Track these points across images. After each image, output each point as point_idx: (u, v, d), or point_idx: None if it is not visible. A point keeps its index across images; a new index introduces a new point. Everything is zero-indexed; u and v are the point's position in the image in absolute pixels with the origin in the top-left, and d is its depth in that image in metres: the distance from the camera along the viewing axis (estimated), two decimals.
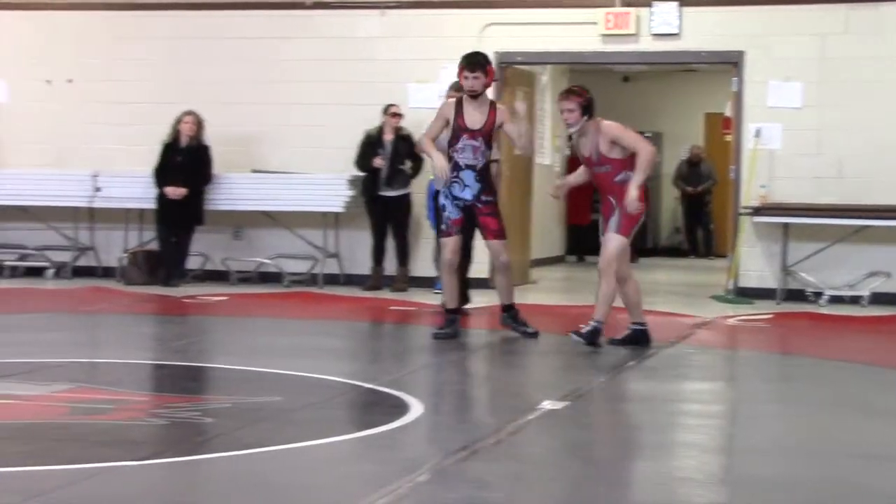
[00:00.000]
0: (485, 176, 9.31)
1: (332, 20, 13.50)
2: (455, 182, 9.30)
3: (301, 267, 13.51)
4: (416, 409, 6.56)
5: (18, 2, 14.05)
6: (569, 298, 13.01)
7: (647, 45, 13.09)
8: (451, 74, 13.22)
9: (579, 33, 13.15)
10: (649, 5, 12.97)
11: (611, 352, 8.98)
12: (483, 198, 9.31)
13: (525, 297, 12.86)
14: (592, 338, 8.89)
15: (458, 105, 9.34)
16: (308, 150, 13.51)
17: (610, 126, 8.94)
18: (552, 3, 13.17)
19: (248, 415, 6.42)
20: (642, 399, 7.39)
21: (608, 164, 8.86)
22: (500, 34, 13.20)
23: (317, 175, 13.39)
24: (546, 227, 17.09)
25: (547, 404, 6.73)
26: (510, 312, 9.54)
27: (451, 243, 9.38)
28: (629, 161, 8.82)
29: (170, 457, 5.49)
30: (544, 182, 16.35)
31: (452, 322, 9.41)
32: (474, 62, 9.31)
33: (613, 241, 8.85)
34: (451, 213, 9.36)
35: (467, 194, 9.29)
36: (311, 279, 13.39)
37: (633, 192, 8.72)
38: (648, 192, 9.16)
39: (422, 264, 13.27)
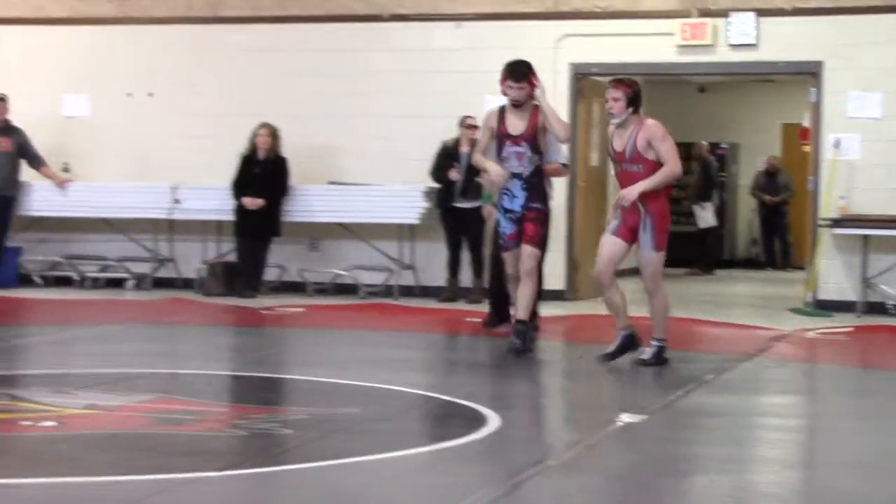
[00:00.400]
0: (533, 184, 9.07)
1: (408, 32, 13.56)
2: (505, 194, 9.12)
3: (377, 278, 13.57)
4: (493, 421, 6.55)
5: (101, 16, 14.27)
6: (644, 311, 12.90)
7: (723, 55, 13.01)
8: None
9: (655, 44, 13.10)
10: (726, 16, 12.90)
11: (686, 365, 8.90)
12: (530, 205, 9.06)
13: (601, 309, 12.84)
14: (659, 359, 8.74)
15: (501, 113, 9.14)
16: (384, 161, 13.57)
17: (654, 125, 8.67)
18: (628, 14, 13.14)
19: (326, 426, 6.47)
20: (720, 413, 7.33)
21: (641, 163, 8.55)
22: (575, 45, 13.20)
23: (392, 187, 13.45)
24: None
25: (625, 418, 6.71)
26: (522, 326, 9.07)
27: (509, 258, 9.19)
28: (659, 168, 8.55)
29: (249, 468, 5.54)
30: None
31: (521, 333, 9.09)
32: (518, 72, 9.06)
33: (654, 259, 8.68)
34: (506, 227, 9.16)
35: (516, 205, 9.09)
36: (387, 291, 13.44)
37: (633, 190, 8.45)
38: (668, 203, 8.78)
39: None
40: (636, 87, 8.70)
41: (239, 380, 8.29)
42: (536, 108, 9.09)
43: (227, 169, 13.33)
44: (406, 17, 13.59)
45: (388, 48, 13.63)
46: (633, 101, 8.62)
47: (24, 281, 13.97)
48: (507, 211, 9.12)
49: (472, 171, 12.99)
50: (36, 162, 13.90)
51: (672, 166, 8.53)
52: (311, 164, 13.55)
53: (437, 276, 13.36)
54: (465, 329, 11.29)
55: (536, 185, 9.08)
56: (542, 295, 10.58)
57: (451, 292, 13.12)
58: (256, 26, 13.91)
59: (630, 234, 8.64)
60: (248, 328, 11.20)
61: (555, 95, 13.20)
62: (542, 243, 9.16)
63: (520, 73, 9.03)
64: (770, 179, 18.96)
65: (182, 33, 14.02)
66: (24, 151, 13.85)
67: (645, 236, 8.60)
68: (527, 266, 9.03)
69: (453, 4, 13.51)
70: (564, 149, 9.55)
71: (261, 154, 13.27)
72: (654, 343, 8.73)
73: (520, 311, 9.08)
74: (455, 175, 12.90)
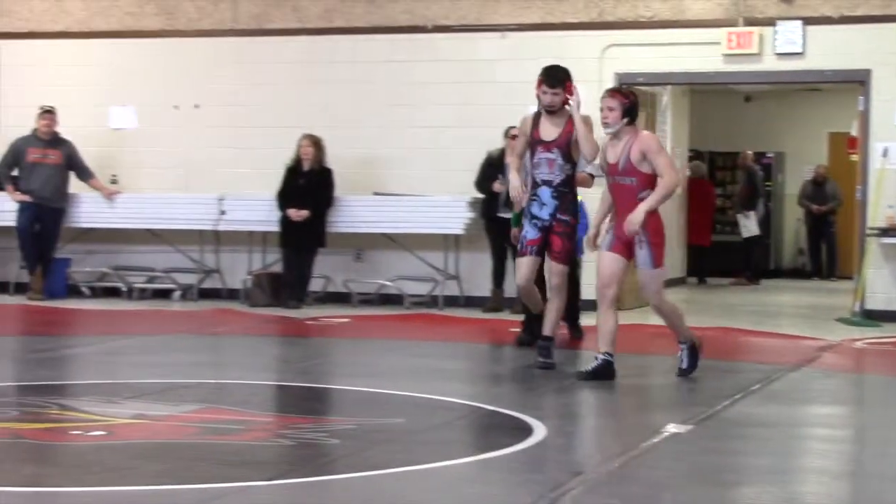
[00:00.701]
0: (563, 193, 8.83)
1: (453, 43, 13.60)
2: (534, 200, 8.88)
3: (421, 289, 13.60)
4: (540, 431, 6.57)
5: (147, 30, 14.41)
6: (689, 320, 12.86)
7: (770, 64, 12.98)
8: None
9: (701, 53, 13.09)
10: (773, 24, 12.87)
11: (732, 375, 8.88)
12: (559, 216, 8.81)
13: (646, 318, 12.82)
14: (691, 369, 8.65)
15: (536, 118, 8.92)
16: (429, 172, 13.61)
17: (649, 137, 8.47)
18: (674, 23, 13.12)
19: (372, 436, 6.49)
20: (768, 423, 7.30)
21: (634, 176, 8.29)
22: (621, 55, 13.20)
23: (437, 197, 13.48)
24: (667, 248, 16.93)
25: (671, 428, 6.71)
26: (547, 342, 8.93)
27: (524, 265, 8.90)
28: (654, 181, 8.30)
29: (297, 477, 5.56)
30: (665, 203, 16.27)
31: (547, 350, 8.89)
32: (554, 78, 8.85)
33: (654, 276, 8.47)
34: (528, 231, 8.89)
35: (544, 213, 8.85)
36: (432, 301, 13.47)
37: (638, 214, 8.22)
38: (660, 217, 8.55)
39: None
40: (633, 98, 8.50)
41: (285, 390, 8.34)
42: (572, 116, 8.88)
43: (273, 180, 13.41)
44: (450, 28, 13.64)
45: (433, 59, 13.68)
46: (629, 112, 8.37)
47: (73, 292, 14.10)
48: (533, 217, 8.88)
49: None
50: (84, 174, 14.04)
51: (669, 180, 8.28)
52: (356, 175, 13.61)
53: (481, 286, 13.38)
54: (510, 339, 11.29)
55: (567, 195, 8.86)
56: (580, 305, 10.57)
57: (496, 302, 13.13)
58: (301, 38, 14.00)
59: (626, 249, 8.42)
60: (294, 338, 11.27)
61: (600, 105, 13.25)
62: (569, 259, 9.01)
63: (556, 78, 8.84)
64: (818, 188, 18.86)
65: (228, 46, 14.15)
66: (73, 163, 13.99)
67: (641, 254, 8.37)
68: (554, 282, 8.84)
69: (498, 15, 13.55)
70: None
71: (305, 165, 13.34)
72: (682, 358, 8.66)
73: (546, 327, 8.93)
74: (499, 187, 12.90)
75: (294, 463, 5.95)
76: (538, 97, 8.89)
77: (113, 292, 14.18)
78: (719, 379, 8.76)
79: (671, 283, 17.23)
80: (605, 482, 5.56)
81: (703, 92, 17.23)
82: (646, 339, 11.25)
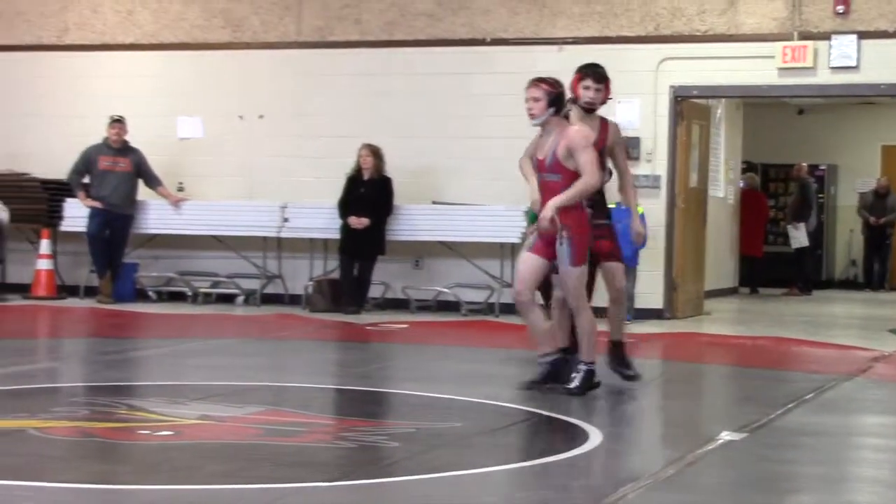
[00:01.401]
0: (596, 200, 8.22)
1: (510, 56, 13.73)
2: None
3: (478, 296, 13.74)
4: (595, 437, 6.58)
5: (214, 42, 14.65)
6: (741, 330, 12.98)
7: (824, 78, 13.02)
8: (625, 109, 13.46)
9: (756, 67, 13.15)
10: (828, 38, 12.91)
11: (785, 384, 8.86)
12: (594, 222, 8.16)
13: (699, 327, 12.92)
14: (587, 385, 8.02)
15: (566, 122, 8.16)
16: (486, 181, 13.75)
17: (577, 133, 7.87)
18: (729, 37, 13.21)
19: (431, 439, 6.55)
20: (821, 432, 7.26)
21: (560, 172, 7.84)
22: (676, 68, 13.30)
23: (494, 206, 13.63)
24: (720, 259, 17.06)
25: (725, 435, 6.69)
26: (617, 350, 8.61)
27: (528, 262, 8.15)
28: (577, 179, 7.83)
29: (358, 479, 5.61)
30: (718, 214, 16.38)
31: (622, 360, 8.48)
32: (601, 74, 8.35)
33: (573, 275, 7.87)
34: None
35: None
36: (488, 308, 13.61)
37: (547, 210, 7.79)
38: (586, 216, 7.95)
39: (595, 295, 13.37)
40: (559, 88, 7.94)
41: (345, 393, 8.35)
42: (605, 121, 8.45)
43: (334, 189, 13.60)
44: (508, 41, 13.79)
45: (491, 71, 13.82)
46: (555, 102, 7.87)
47: (141, 296, 14.33)
48: None
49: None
50: (153, 181, 14.28)
51: (588, 178, 7.77)
52: (414, 185, 13.78)
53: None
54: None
55: (599, 201, 8.33)
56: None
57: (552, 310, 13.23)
58: (363, 50, 14.18)
59: (548, 250, 7.94)
60: (353, 343, 11.36)
61: (655, 117, 13.41)
62: (622, 256, 8.55)
63: (602, 74, 8.36)
64: (879, 200, 18.83)
65: (291, 58, 14.35)
66: (142, 171, 14.23)
67: (562, 250, 7.84)
68: (618, 284, 8.46)
69: (555, 29, 13.68)
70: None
71: (366, 174, 13.53)
72: (582, 367, 8.01)
73: (613, 332, 8.58)
74: None
75: (354, 465, 5.97)
76: (578, 94, 8.32)
77: (178, 297, 14.40)
78: (772, 388, 8.75)
79: (723, 293, 17.33)
80: (660, 489, 5.55)
81: (756, 105, 17.28)
82: (699, 348, 11.35)
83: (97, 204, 14.01)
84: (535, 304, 8.19)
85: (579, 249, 7.86)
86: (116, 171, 14.07)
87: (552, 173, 7.87)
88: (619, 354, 8.58)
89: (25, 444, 6.19)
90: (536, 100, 7.89)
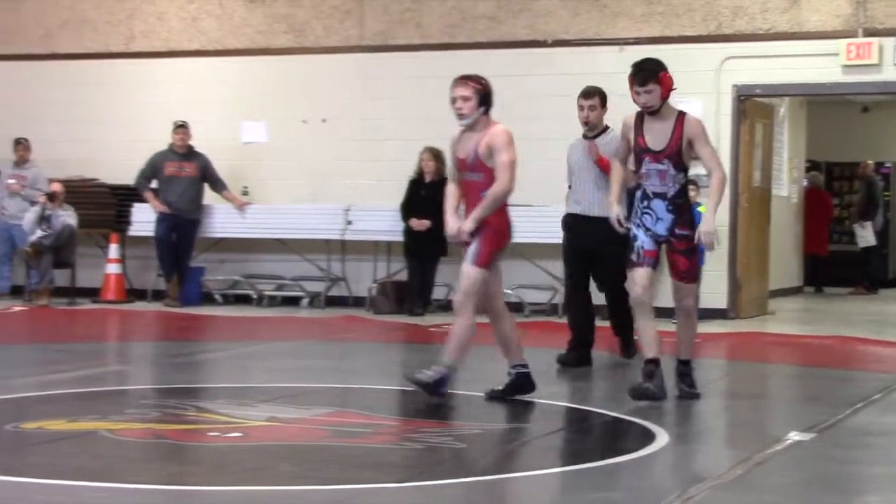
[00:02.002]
0: (679, 205, 7.73)
1: (571, 57, 13.74)
2: (647, 213, 7.78)
3: (541, 297, 13.75)
4: (662, 438, 6.58)
5: (277, 47, 14.79)
6: (807, 329, 12.90)
7: (890, 74, 12.91)
8: (687, 108, 13.30)
9: (819, 64, 13.07)
10: (893, 35, 12.81)
11: (853, 384, 8.79)
12: (678, 231, 7.72)
13: (764, 327, 12.87)
14: (436, 387, 7.56)
15: (639, 120, 7.74)
16: (547, 183, 13.72)
17: (501, 132, 7.49)
18: (792, 35, 13.13)
19: (498, 440, 6.61)
20: (890, 432, 7.22)
21: (481, 171, 7.49)
22: (738, 67, 13.25)
23: (556, 207, 13.61)
24: (784, 258, 16.95)
25: (793, 436, 6.67)
26: (685, 368, 8.03)
27: (641, 276, 7.76)
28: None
29: (426, 480, 5.65)
30: (782, 213, 16.28)
31: (651, 375, 7.77)
32: (645, 73, 7.61)
33: (471, 274, 7.50)
34: (644, 242, 7.75)
35: (660, 228, 7.73)
36: (552, 309, 13.62)
37: (467, 224, 7.49)
38: (507, 219, 7.64)
39: (659, 295, 13.35)
40: (488, 85, 7.61)
41: (410, 394, 8.23)
42: (681, 115, 7.72)
43: (397, 191, 13.67)
44: (569, 42, 13.79)
45: (552, 72, 13.83)
46: (485, 101, 7.54)
47: (207, 299, 14.50)
48: (647, 230, 7.77)
49: (630, 193, 13.14)
50: (218, 185, 14.43)
51: (502, 183, 7.42)
52: None
53: (600, 295, 13.45)
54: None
55: (682, 206, 7.77)
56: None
57: None
58: (425, 53, 14.24)
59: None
60: (417, 345, 11.39)
61: (717, 116, 13.36)
62: (697, 276, 8.12)
63: (646, 72, 7.64)
64: None
65: (354, 62, 14.44)
66: (208, 175, 14.38)
67: (472, 247, 7.51)
68: (687, 304, 7.91)
69: (617, 29, 13.68)
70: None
71: (427, 177, 13.60)
72: (439, 369, 7.59)
73: (683, 351, 8.05)
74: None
75: (422, 466, 6.00)
76: (634, 100, 7.81)
77: (244, 299, 14.54)
78: (839, 388, 8.71)
79: (788, 292, 17.21)
80: (728, 489, 5.55)
81: (820, 103, 17.15)
82: (765, 348, 11.30)
83: (165, 208, 14.16)
84: (504, 312, 7.85)
85: (487, 252, 7.48)
86: (182, 176, 14.23)
87: (473, 172, 7.52)
88: (684, 372, 8.06)
89: (98, 446, 6.30)
90: (466, 99, 7.54)
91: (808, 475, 6.02)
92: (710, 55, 13.30)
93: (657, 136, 7.62)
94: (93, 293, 14.64)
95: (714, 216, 7.73)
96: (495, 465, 6.07)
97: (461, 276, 7.55)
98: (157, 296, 14.51)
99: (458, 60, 14.07)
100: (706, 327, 12.40)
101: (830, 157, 19.53)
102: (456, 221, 7.67)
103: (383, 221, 13.90)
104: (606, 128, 9.62)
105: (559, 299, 13.57)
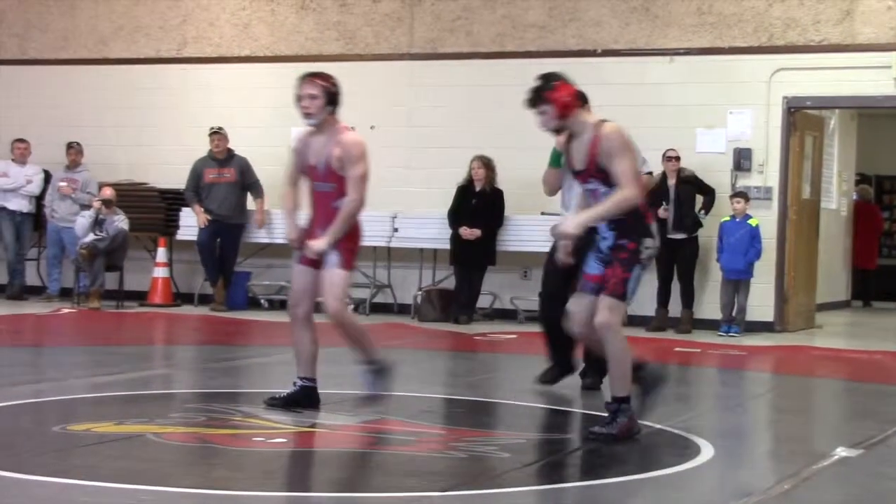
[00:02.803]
0: (620, 221, 6.77)
1: (621, 67, 13.72)
2: (596, 234, 6.95)
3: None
4: (706, 451, 6.55)
5: (327, 54, 14.83)
6: (855, 343, 12.80)
7: None
8: (737, 119, 13.39)
9: (871, 77, 12.99)
10: None
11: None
12: (618, 243, 6.81)
13: (811, 341, 12.78)
14: (382, 383, 7.51)
15: (568, 141, 6.96)
16: None
17: (354, 141, 7.23)
18: (844, 47, 13.05)
19: (542, 450, 6.62)
20: None
21: (333, 182, 7.24)
22: (789, 79, 13.18)
23: None
24: (832, 271, 16.84)
25: (840, 451, 6.63)
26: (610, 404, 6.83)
27: (575, 307, 6.87)
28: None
29: (470, 489, 5.64)
30: (831, 226, 16.17)
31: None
32: (532, 96, 6.94)
33: (338, 279, 7.30)
34: (589, 267, 6.88)
35: (604, 246, 6.86)
36: None
37: (321, 243, 7.25)
38: (357, 228, 7.49)
39: (705, 307, 13.34)
40: (336, 84, 7.34)
41: (455, 403, 8.36)
42: (598, 127, 6.79)
43: (444, 199, 13.70)
44: (619, 52, 13.77)
45: (601, 82, 13.76)
46: (332, 100, 7.26)
47: (253, 304, 14.58)
48: (599, 251, 6.90)
49: (681, 204, 13.11)
50: (254, 191, 14.44)
51: (355, 199, 7.24)
52: (524, 195, 13.79)
53: (645, 305, 13.46)
54: (675, 359, 11.35)
55: (624, 220, 6.80)
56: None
57: (661, 322, 13.21)
58: (474, 62, 14.27)
59: (314, 261, 7.39)
60: (463, 353, 11.40)
61: (767, 128, 13.30)
62: (623, 288, 6.77)
63: (533, 95, 6.94)
64: None
65: (403, 69, 14.49)
66: (246, 178, 14.41)
67: (333, 255, 7.28)
68: (602, 319, 6.73)
69: (667, 39, 13.64)
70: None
71: (477, 186, 13.60)
72: (366, 368, 7.51)
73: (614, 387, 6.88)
74: (663, 213, 13.02)
75: (465, 475, 6.00)
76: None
77: None
78: (887, 403, 8.66)
79: (835, 306, 17.08)
80: None
81: (870, 115, 17.04)
82: (812, 362, 11.22)
83: (205, 220, 14.23)
84: (311, 322, 7.67)
85: (348, 256, 7.34)
86: (222, 182, 14.30)
87: (325, 182, 7.26)
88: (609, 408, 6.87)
89: (144, 450, 6.35)
90: (313, 97, 7.21)
91: (856, 492, 5.98)
92: (760, 67, 13.25)
93: (577, 155, 6.87)
94: (140, 296, 14.75)
95: (587, 220, 6.76)
96: (538, 475, 6.06)
97: (328, 285, 7.29)
98: (204, 300, 14.60)
99: (507, 69, 14.12)
100: (753, 340, 12.35)
101: (880, 170, 19.40)
102: (296, 229, 7.43)
103: (430, 229, 13.92)
104: None
105: None
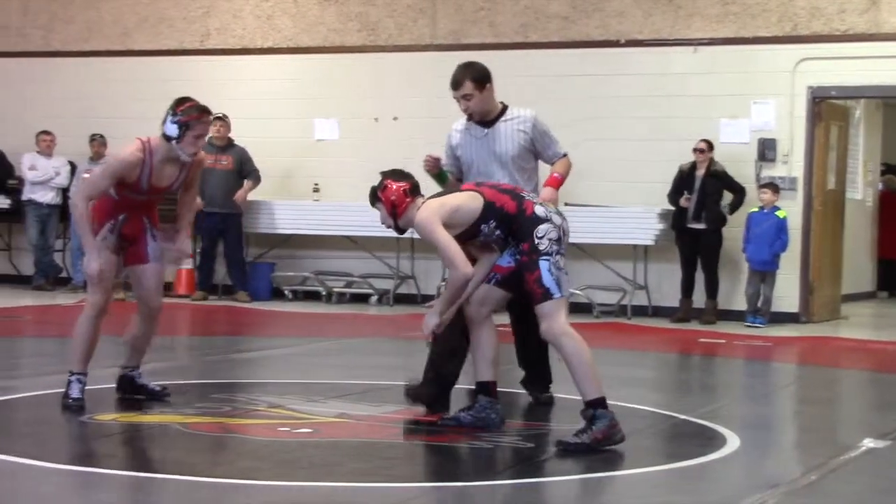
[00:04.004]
0: (499, 239, 6.70)
1: (645, 57, 13.69)
2: None
3: (610, 298, 13.72)
4: (732, 442, 6.54)
5: (350, 45, 14.86)
6: (880, 334, 12.77)
7: None
8: (761, 109, 13.34)
9: None
10: None
11: None
12: (515, 250, 6.60)
13: (836, 331, 12.74)
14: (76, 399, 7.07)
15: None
16: (622, 183, 13.72)
17: (199, 161, 7.61)
18: (869, 36, 12.99)
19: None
20: None
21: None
22: (813, 69, 13.13)
23: (627, 208, 13.59)
24: (857, 262, 16.76)
25: (868, 442, 6.61)
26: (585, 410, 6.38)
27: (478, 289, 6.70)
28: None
29: (495, 479, 5.69)
30: (856, 217, 16.11)
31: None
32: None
33: (159, 270, 7.59)
34: (503, 259, 6.72)
35: (512, 257, 6.68)
36: (621, 310, 13.59)
37: (183, 244, 7.72)
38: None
39: (730, 298, 13.31)
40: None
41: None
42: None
43: None
44: (643, 43, 13.74)
45: (625, 73, 13.79)
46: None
47: (277, 295, 14.62)
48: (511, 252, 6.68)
49: (707, 195, 13.07)
50: (251, 176, 14.29)
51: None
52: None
53: (669, 296, 13.45)
54: (699, 349, 11.35)
55: (503, 237, 6.69)
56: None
57: (685, 313, 13.19)
58: (497, 52, 14.18)
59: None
60: None
61: (792, 118, 13.24)
62: (542, 290, 6.51)
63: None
64: None
65: (426, 60, 14.46)
66: (243, 167, 14.29)
67: (154, 245, 7.53)
68: (547, 327, 6.56)
69: (691, 30, 13.60)
70: None
71: None
72: (72, 377, 7.13)
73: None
74: (685, 202, 13.00)
75: (489, 465, 6.04)
76: None
77: (313, 296, 14.64)
78: None
79: (861, 297, 17.00)
80: (802, 495, 5.52)
81: None
82: (837, 353, 11.19)
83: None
84: (157, 315, 7.69)
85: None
86: (218, 168, 14.21)
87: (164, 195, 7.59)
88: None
89: (170, 439, 6.40)
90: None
91: (883, 483, 5.95)
92: (785, 56, 13.19)
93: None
94: (165, 287, 14.73)
95: (442, 309, 6.68)
96: (562, 466, 6.05)
97: (148, 276, 7.55)
98: (227, 291, 14.63)
99: (530, 60, 14.11)
100: (778, 331, 12.32)
101: None
102: (95, 258, 7.28)
103: None
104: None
105: (628, 300, 13.53)
